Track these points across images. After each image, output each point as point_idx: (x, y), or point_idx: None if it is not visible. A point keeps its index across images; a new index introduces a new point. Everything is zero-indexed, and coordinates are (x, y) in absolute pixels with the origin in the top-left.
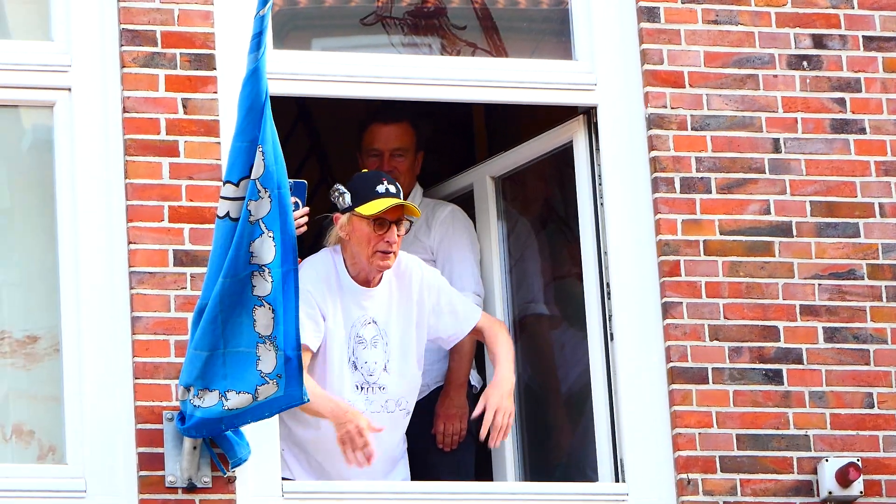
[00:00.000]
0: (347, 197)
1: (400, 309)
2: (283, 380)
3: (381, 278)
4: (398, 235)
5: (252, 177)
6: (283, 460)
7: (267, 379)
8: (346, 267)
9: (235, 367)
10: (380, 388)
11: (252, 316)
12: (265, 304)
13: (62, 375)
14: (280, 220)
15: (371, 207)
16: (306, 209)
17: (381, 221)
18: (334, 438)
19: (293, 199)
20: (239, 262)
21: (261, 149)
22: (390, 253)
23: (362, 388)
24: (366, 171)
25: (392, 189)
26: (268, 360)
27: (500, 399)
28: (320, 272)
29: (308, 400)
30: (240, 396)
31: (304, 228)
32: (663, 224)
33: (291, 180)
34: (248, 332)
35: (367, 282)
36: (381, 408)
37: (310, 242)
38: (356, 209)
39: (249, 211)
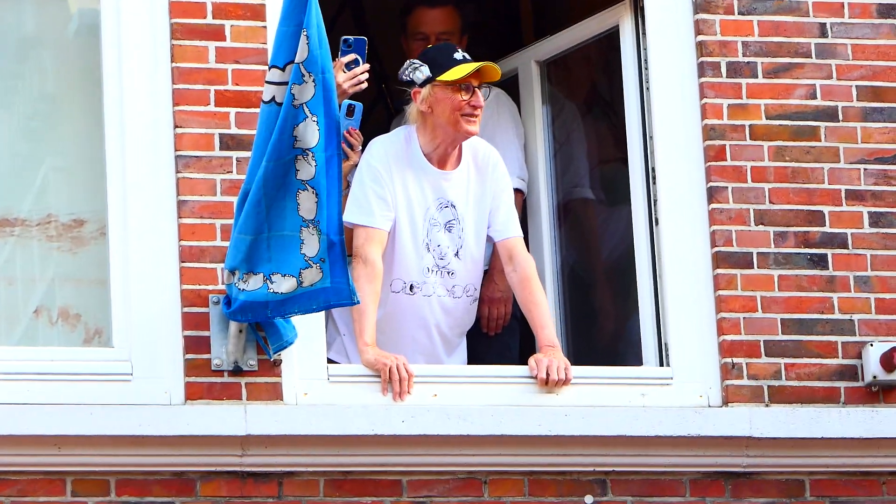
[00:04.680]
0: (425, 68)
1: (477, 196)
2: (326, 265)
3: (459, 161)
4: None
5: (296, 61)
6: (342, 346)
7: (311, 262)
8: (421, 146)
9: (280, 250)
10: (449, 272)
11: (296, 200)
12: (308, 188)
13: (108, 259)
14: (324, 104)
15: (456, 73)
16: (366, 66)
17: (467, 86)
18: (401, 318)
19: (353, 56)
20: (283, 146)
21: (305, 33)
22: (476, 117)
23: (432, 271)
24: (433, 45)
25: (468, 56)
26: (311, 244)
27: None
28: (391, 151)
29: (359, 302)
30: (285, 280)
31: (365, 85)
32: (709, 108)
33: (351, 37)
34: (291, 216)
35: (442, 163)
36: (447, 292)
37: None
38: (438, 77)
39: (293, 95)
